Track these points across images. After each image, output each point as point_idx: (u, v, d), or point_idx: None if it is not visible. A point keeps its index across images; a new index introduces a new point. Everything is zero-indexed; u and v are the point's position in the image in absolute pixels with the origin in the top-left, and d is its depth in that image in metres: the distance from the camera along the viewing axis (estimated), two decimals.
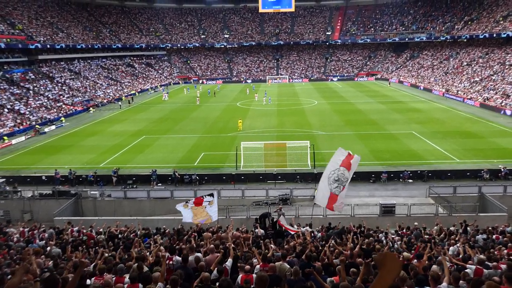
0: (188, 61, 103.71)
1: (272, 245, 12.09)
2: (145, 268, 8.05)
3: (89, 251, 12.84)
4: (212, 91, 73.90)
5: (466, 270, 8.23)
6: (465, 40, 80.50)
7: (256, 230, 16.16)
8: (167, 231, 16.78)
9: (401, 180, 27.93)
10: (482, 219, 19.27)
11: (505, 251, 11.72)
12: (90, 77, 73.82)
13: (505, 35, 66.32)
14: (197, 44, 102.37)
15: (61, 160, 33.28)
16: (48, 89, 60.04)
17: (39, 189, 26.33)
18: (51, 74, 65.91)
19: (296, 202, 23.78)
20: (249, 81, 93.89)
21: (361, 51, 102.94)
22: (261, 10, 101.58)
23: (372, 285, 2.50)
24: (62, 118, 50.75)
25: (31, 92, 56.07)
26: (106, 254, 10.89)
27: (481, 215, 20.83)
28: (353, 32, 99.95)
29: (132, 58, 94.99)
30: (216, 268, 7.78)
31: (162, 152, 35.42)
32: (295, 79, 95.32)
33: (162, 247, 11.27)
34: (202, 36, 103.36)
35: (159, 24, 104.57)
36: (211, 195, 15.25)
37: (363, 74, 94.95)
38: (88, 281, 7.53)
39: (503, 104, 50.11)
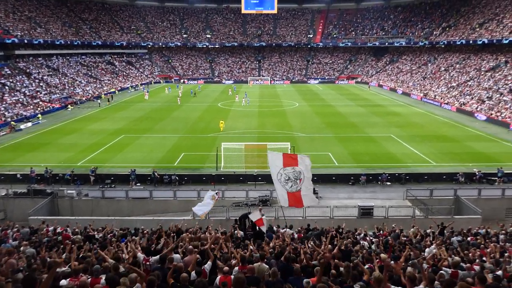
0: (170, 60, 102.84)
1: (251, 246, 12.07)
2: (121, 269, 7.91)
3: (64, 251, 12.54)
4: (193, 91, 73.51)
5: (441, 272, 8.37)
6: (442, 46, 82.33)
7: (236, 231, 16.10)
8: (145, 231, 16.56)
9: (379, 182, 28.32)
10: (457, 222, 19.66)
11: (478, 252, 12.01)
12: (68, 74, 72.34)
13: (481, 42, 67.97)
14: (178, 44, 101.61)
15: (37, 158, 32.54)
16: (24, 85, 58.59)
17: (14, 187, 25.64)
18: (28, 70, 64.33)
19: (276, 204, 23.76)
20: (229, 82, 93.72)
21: (342, 54, 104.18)
22: (243, 11, 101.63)
23: None
24: (39, 115, 49.61)
25: (7, 87, 54.61)
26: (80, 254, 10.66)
27: (456, 218, 21.28)
28: (335, 36, 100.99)
29: (112, 56, 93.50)
30: (194, 269, 7.73)
31: (141, 151, 35.00)
32: (276, 80, 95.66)
33: (139, 247, 11.10)
34: (184, 36, 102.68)
35: (141, 22, 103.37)
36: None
37: (343, 77, 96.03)
38: (64, 282, 7.36)
39: (478, 109, 51.41)
